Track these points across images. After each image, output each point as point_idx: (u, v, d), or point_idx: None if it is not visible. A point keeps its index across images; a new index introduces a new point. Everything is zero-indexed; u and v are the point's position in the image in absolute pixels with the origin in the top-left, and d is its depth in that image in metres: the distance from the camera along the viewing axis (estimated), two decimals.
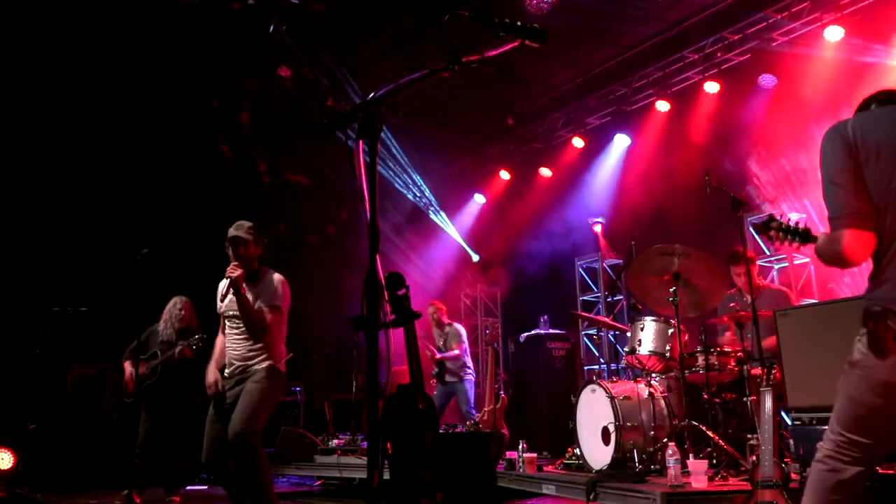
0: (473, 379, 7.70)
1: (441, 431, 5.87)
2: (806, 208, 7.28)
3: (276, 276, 4.18)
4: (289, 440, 7.12)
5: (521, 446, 5.52)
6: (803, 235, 2.36)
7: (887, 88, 2.34)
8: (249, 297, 4.01)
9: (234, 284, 3.91)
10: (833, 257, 2.12)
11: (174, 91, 8.24)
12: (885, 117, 2.21)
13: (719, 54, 7.75)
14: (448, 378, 7.55)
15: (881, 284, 2.07)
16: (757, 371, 4.76)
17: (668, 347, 5.20)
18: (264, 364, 4.04)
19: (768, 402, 3.50)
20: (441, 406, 7.50)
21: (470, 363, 7.70)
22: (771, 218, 2.51)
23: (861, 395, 2.12)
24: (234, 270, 3.92)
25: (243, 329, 4.04)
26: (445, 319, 7.80)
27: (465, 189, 11.16)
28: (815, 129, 6.92)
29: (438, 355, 7.51)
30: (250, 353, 4.06)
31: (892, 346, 2.02)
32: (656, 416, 4.94)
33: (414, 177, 10.59)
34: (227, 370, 4.12)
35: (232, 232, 4.03)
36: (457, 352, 7.52)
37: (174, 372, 5.78)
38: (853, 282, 6.71)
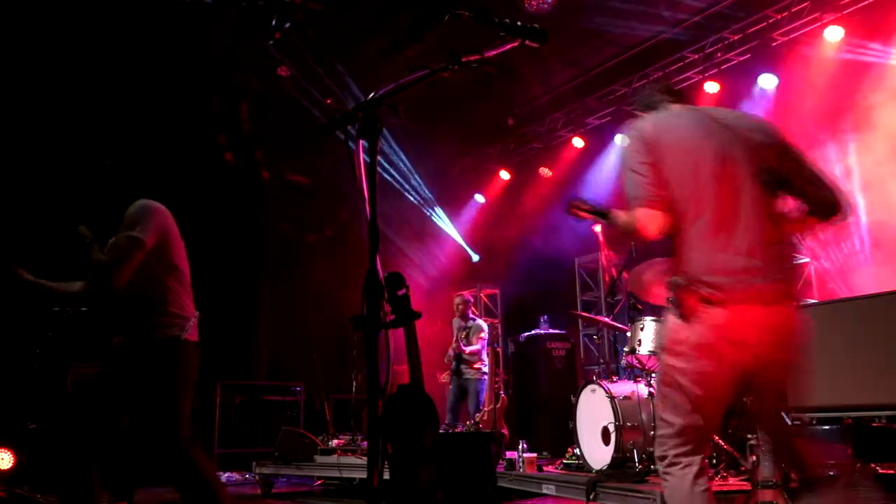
0: (486, 378, 7.65)
1: (441, 431, 5.87)
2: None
3: (137, 203, 3.20)
4: (289, 440, 7.12)
5: (521, 446, 5.52)
6: (604, 214, 2.68)
7: (671, 86, 2.71)
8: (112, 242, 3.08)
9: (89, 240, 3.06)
10: (628, 230, 2.42)
11: (174, 91, 8.24)
12: (683, 118, 2.50)
13: (719, 54, 7.75)
14: (465, 371, 7.45)
15: (687, 258, 2.31)
16: None
17: None
18: (161, 335, 3.07)
19: None
20: (456, 403, 7.42)
21: (485, 360, 7.59)
22: (575, 198, 2.84)
23: (684, 373, 2.27)
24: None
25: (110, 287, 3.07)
26: (471, 313, 7.74)
27: (465, 189, 11.16)
28: (815, 129, 6.92)
29: (464, 349, 7.42)
30: (133, 319, 3.10)
31: (700, 308, 2.22)
32: (656, 416, 4.94)
33: (414, 177, 10.59)
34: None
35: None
36: (478, 346, 7.44)
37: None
38: (854, 282, 6.71)
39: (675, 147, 2.37)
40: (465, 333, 7.58)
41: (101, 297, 3.21)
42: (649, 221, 2.34)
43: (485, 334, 7.59)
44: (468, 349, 7.44)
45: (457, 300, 7.71)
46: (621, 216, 2.48)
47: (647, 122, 2.49)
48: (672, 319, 2.30)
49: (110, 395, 3.07)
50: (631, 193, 2.40)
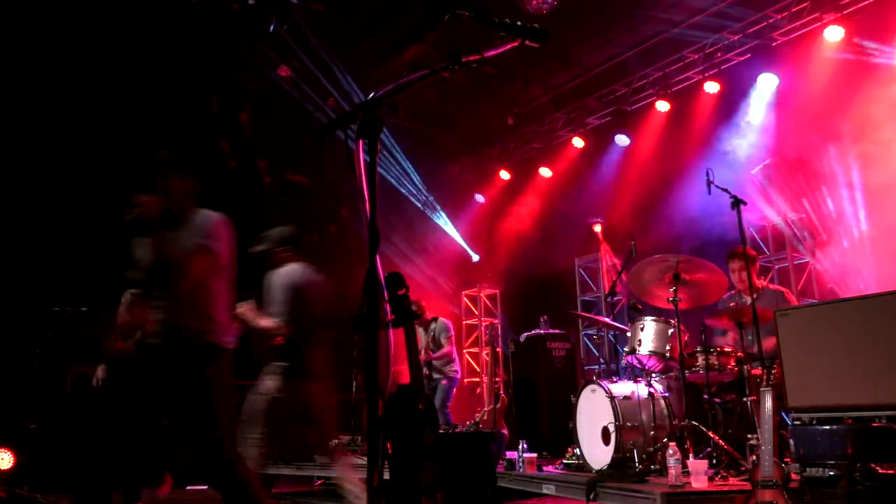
0: (458, 377, 7.54)
1: (441, 431, 5.86)
2: (805, 208, 7.28)
3: (209, 213, 3.29)
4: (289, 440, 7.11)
5: (521, 446, 5.51)
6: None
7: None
8: (174, 240, 3.15)
9: (143, 215, 3.04)
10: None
11: (174, 91, 8.24)
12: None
13: (719, 54, 7.76)
14: (435, 375, 7.37)
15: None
16: (757, 371, 4.77)
17: (668, 347, 5.20)
18: (203, 341, 3.12)
19: (768, 402, 3.50)
20: None
21: (457, 359, 7.55)
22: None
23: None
24: (147, 198, 3.08)
25: (163, 286, 3.15)
26: (429, 315, 7.62)
27: (465, 189, 11.15)
28: (815, 129, 6.93)
29: (432, 355, 7.35)
30: (183, 319, 3.13)
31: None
32: (656, 416, 4.94)
33: (414, 177, 10.59)
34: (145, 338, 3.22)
35: (158, 158, 3.32)
36: (448, 348, 7.38)
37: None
38: (854, 282, 6.71)
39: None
40: (430, 337, 7.48)
41: (166, 292, 3.17)
42: None
43: (451, 333, 7.51)
44: (435, 355, 7.35)
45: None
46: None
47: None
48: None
49: (146, 398, 3.11)
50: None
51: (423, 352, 7.43)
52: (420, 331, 7.57)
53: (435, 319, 7.61)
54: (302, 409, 4.26)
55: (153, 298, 3.22)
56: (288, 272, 4.13)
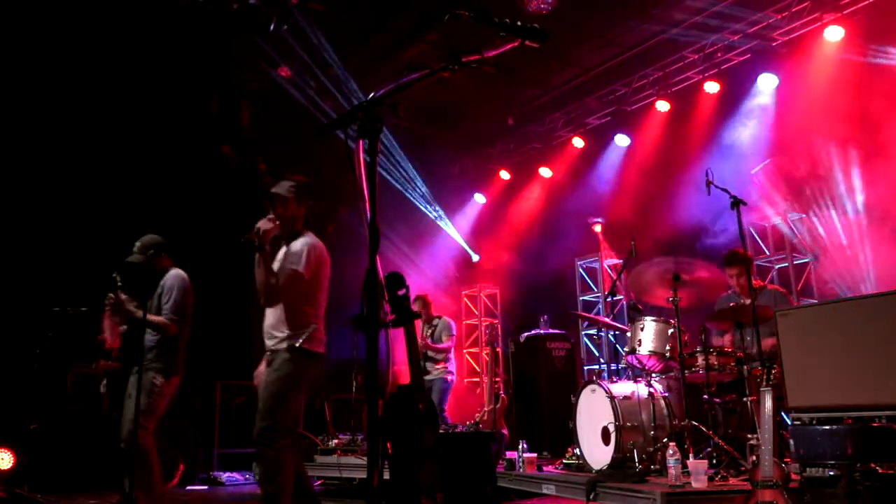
0: (453, 379, 7.51)
1: (441, 431, 5.86)
2: (805, 208, 7.28)
3: (305, 239, 3.81)
4: None
5: (521, 446, 5.52)
6: None
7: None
8: (278, 260, 3.74)
9: (259, 239, 3.58)
10: None
11: (174, 91, 8.23)
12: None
13: (719, 54, 7.76)
14: (430, 369, 7.34)
15: None
16: (757, 371, 4.76)
17: (668, 347, 5.20)
18: (284, 345, 3.70)
19: (768, 402, 3.50)
20: None
21: (454, 361, 7.55)
22: None
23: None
24: (265, 224, 3.64)
25: (264, 301, 3.76)
26: (434, 312, 7.66)
27: (465, 189, 11.15)
28: (815, 129, 6.93)
29: (431, 344, 7.33)
30: (273, 330, 3.76)
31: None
32: (656, 416, 4.94)
33: (414, 177, 10.59)
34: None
35: (273, 189, 3.81)
36: (448, 343, 7.37)
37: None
38: (854, 282, 6.71)
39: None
40: (430, 331, 7.48)
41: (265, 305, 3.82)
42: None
43: (454, 332, 7.51)
44: (435, 345, 7.32)
45: (418, 303, 7.50)
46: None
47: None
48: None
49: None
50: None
51: (420, 339, 7.37)
52: (423, 325, 7.58)
53: (439, 317, 7.61)
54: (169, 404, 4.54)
55: (262, 308, 3.84)
56: (178, 275, 4.44)
